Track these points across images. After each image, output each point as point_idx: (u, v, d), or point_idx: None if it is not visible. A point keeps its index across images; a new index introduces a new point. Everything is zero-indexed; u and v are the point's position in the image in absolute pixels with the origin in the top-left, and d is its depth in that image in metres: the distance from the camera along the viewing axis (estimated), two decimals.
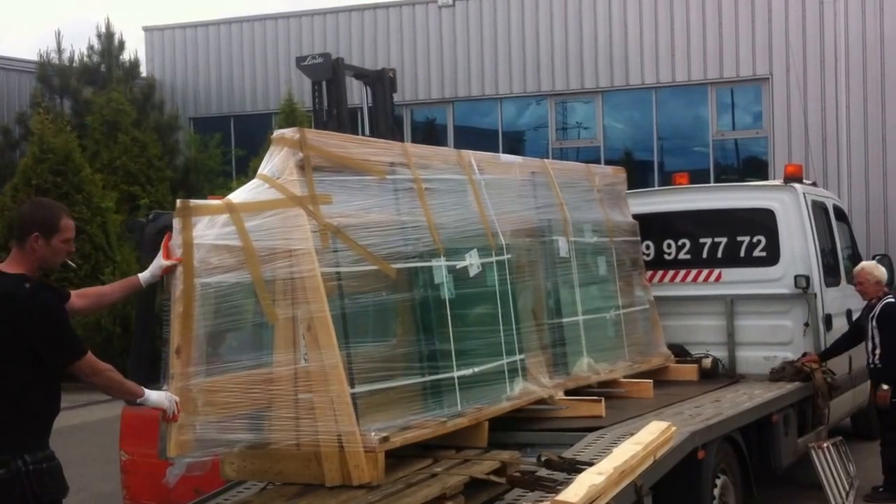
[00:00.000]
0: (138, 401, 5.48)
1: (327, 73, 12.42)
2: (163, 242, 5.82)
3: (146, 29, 26.90)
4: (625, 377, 8.92)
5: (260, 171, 6.28)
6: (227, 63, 25.77)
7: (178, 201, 5.86)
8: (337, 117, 11.89)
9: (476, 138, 23.07)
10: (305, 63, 12.68)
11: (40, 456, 5.30)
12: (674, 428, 6.95)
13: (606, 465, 6.03)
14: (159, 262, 5.77)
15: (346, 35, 24.30)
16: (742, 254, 10.23)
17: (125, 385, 5.48)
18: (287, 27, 25.10)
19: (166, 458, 5.73)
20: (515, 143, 23.00)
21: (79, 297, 5.76)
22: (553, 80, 22.64)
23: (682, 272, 10.43)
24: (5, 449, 5.22)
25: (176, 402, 5.55)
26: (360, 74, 13.63)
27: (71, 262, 5.80)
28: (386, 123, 12.48)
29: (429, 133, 23.77)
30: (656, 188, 15.44)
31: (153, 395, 5.53)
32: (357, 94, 16.79)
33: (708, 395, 9.02)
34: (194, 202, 5.91)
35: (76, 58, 24.82)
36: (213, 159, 24.35)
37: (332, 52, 22.85)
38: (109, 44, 24.86)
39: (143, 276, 5.85)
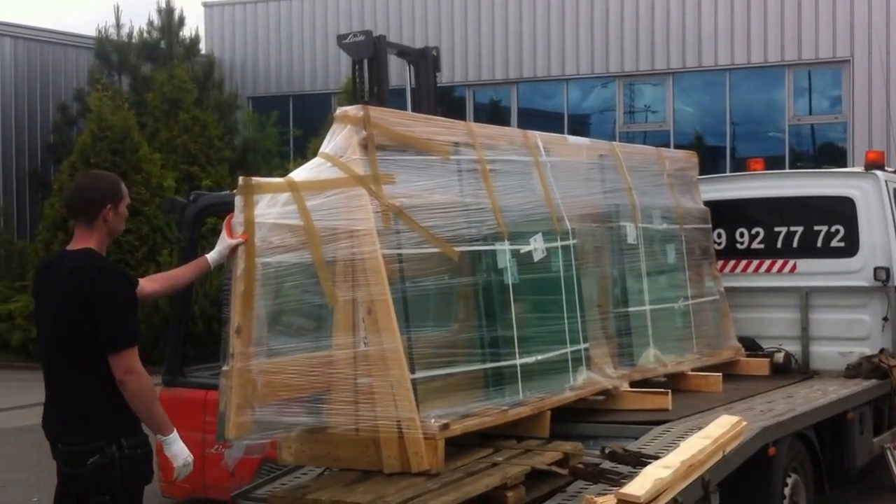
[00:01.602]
0: (160, 437, 5.31)
1: (368, 51, 12.33)
2: (225, 221, 5.74)
3: (206, 5, 26.88)
4: (693, 370, 8.72)
5: (322, 149, 6.19)
6: (286, 40, 25.68)
7: (241, 178, 5.79)
8: (378, 96, 11.77)
9: (540, 121, 22.82)
10: (346, 41, 12.59)
11: (134, 441, 5.29)
12: (744, 423, 6.78)
13: (673, 459, 5.92)
14: (225, 241, 5.69)
15: (409, 13, 24.12)
16: (819, 244, 9.94)
17: (158, 408, 5.31)
18: (349, 3, 24.91)
19: (224, 439, 5.67)
20: (581, 127, 22.70)
21: (150, 282, 5.77)
22: (622, 60, 22.28)
23: (755, 262, 10.17)
24: (100, 434, 5.21)
25: (189, 469, 5.40)
26: (403, 52, 13.50)
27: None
28: (429, 104, 12.35)
29: (492, 115, 23.54)
30: (729, 174, 15.13)
31: (178, 443, 5.37)
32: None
33: (780, 390, 8.80)
34: (256, 180, 5.83)
35: (135, 34, 24.69)
36: (269, 140, 24.26)
37: (394, 31, 22.95)
38: (169, 19, 24.70)
39: (211, 256, 5.78)
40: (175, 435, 5.35)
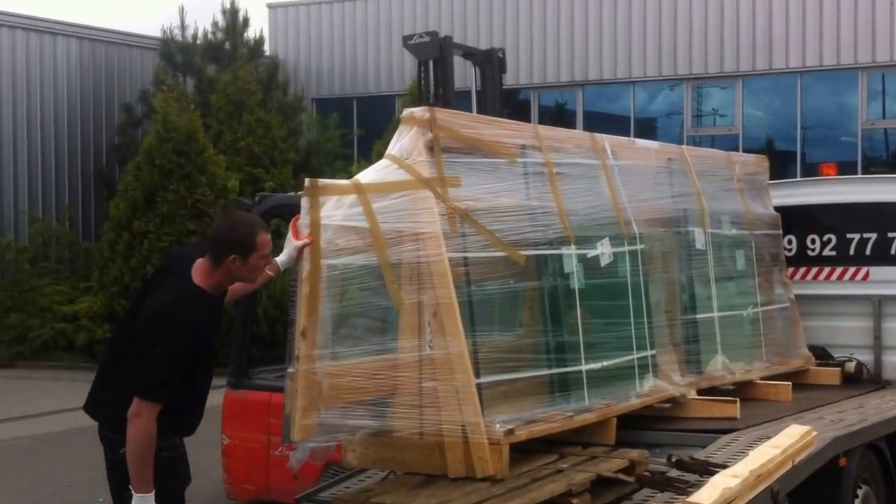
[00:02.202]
0: (136, 493, 5.25)
1: (434, 53, 12.33)
2: (291, 223, 5.74)
3: (270, 6, 26.97)
4: (761, 378, 8.58)
5: (388, 150, 6.18)
6: (350, 42, 25.69)
7: (307, 180, 5.79)
8: (443, 98, 11.73)
9: (606, 124, 22.63)
10: (412, 42, 12.58)
11: (165, 444, 5.36)
12: (814, 433, 6.69)
13: (742, 469, 5.85)
14: (291, 243, 5.69)
15: (475, 14, 24.05)
16: (893, 251, 9.72)
17: (149, 463, 5.26)
18: (414, 5, 24.88)
19: (289, 442, 5.67)
20: (647, 130, 22.50)
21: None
22: (690, 62, 22.02)
23: (827, 269, 9.99)
24: None
25: None
26: (468, 54, 13.49)
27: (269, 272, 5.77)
28: (494, 105, 12.30)
29: (557, 118, 23.43)
30: (801, 179, 14.93)
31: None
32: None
33: (851, 400, 8.62)
34: (322, 181, 5.84)
35: (200, 35, 24.77)
36: (331, 141, 24.28)
37: (459, 32, 22.91)
38: (234, 21, 24.75)
39: (280, 259, 5.78)
40: (147, 498, 5.27)
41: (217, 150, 20.90)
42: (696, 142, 21.66)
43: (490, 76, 12.88)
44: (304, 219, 5.69)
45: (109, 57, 24.72)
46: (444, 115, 6.33)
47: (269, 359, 10.63)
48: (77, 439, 13.39)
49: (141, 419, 5.19)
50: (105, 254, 20.39)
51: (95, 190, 24.18)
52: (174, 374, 5.28)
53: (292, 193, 11.13)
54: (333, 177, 18.52)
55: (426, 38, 12.59)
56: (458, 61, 13.68)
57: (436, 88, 12.37)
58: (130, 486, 5.28)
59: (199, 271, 5.44)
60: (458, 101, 12.39)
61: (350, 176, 6.24)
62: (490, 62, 12.96)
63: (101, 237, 21.64)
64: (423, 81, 12.71)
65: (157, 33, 24.71)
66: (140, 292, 5.72)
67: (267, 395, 8.89)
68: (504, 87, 13.72)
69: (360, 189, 5.84)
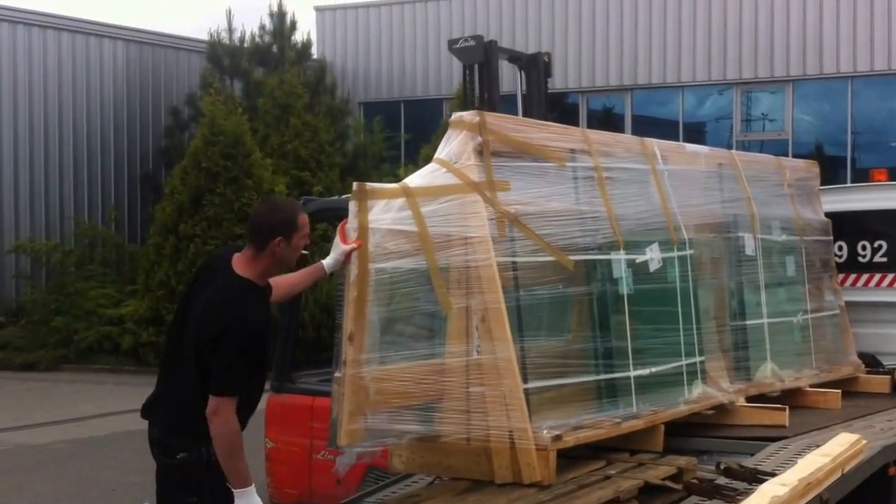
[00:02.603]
0: (237, 489, 5.28)
1: (479, 57, 12.34)
2: (339, 227, 5.72)
3: (318, 9, 27.04)
4: (810, 386, 8.49)
5: (437, 154, 6.15)
6: (398, 45, 25.72)
7: (355, 184, 5.77)
8: (488, 102, 11.72)
9: (654, 129, 22.48)
10: (457, 46, 12.58)
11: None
12: (864, 441, 6.61)
13: (791, 477, 5.78)
14: (339, 247, 5.67)
15: (523, 18, 24.00)
16: None
17: (240, 458, 5.30)
18: (462, 8, 24.86)
19: (336, 446, 5.65)
20: (696, 135, 22.38)
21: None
22: (740, 67, 21.89)
23: (878, 276, 9.88)
24: (193, 434, 5.31)
25: None
26: (514, 58, 13.49)
27: (304, 251, 5.78)
28: (539, 109, 12.27)
29: (605, 122, 23.36)
30: (852, 185, 14.80)
31: (250, 498, 5.31)
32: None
33: None
34: (371, 185, 5.81)
35: (247, 38, 24.88)
36: (376, 145, 24.29)
37: (507, 36, 22.89)
38: (281, 24, 24.84)
39: (327, 262, 5.77)
40: (248, 490, 5.31)
41: (264, 154, 20.93)
42: (745, 146, 21.49)
43: (535, 80, 12.86)
44: (352, 222, 5.67)
45: (156, 60, 24.88)
46: (494, 118, 6.31)
47: (312, 362, 10.66)
48: (121, 443, 13.48)
49: (219, 416, 5.21)
50: (151, 257, 20.48)
51: (142, 193, 24.35)
52: (242, 366, 5.31)
53: (336, 197, 11.18)
54: (379, 180, 18.54)
55: (471, 42, 12.60)
56: (504, 65, 13.67)
57: (481, 92, 12.37)
58: (229, 485, 5.29)
59: (240, 263, 5.46)
60: (503, 105, 12.37)
61: (396, 179, 6.23)
62: (535, 66, 12.94)
63: (146, 240, 21.75)
64: (468, 85, 12.71)
65: (205, 36, 24.82)
66: (184, 296, 5.73)
67: (310, 399, 8.92)
68: (551, 90, 13.69)
69: (408, 193, 5.82)
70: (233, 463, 5.27)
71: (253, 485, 5.35)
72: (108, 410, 16.07)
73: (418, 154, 20.68)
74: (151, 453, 5.58)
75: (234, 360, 5.25)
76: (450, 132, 6.18)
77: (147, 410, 5.64)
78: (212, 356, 5.24)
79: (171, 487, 5.42)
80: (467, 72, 12.72)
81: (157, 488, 5.59)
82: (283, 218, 5.49)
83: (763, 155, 9.91)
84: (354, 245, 5.62)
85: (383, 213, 5.72)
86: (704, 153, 8.22)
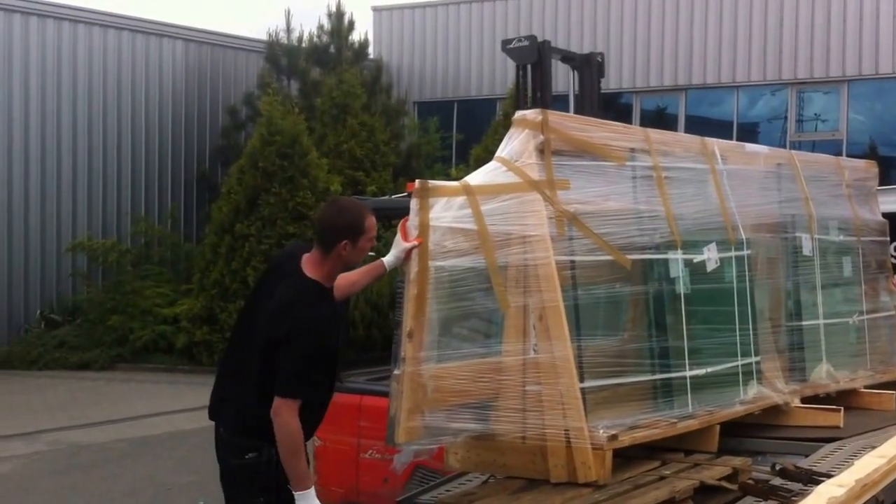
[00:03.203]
0: (295, 491, 5.34)
1: (532, 56, 12.36)
2: (399, 224, 5.76)
3: (375, 9, 27.11)
4: (865, 387, 8.42)
5: (498, 153, 6.17)
6: (454, 45, 25.74)
7: (417, 181, 5.80)
8: (541, 102, 11.72)
9: (707, 129, 22.25)
10: (511, 46, 12.61)
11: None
12: None
13: (847, 478, 5.73)
14: (400, 244, 5.70)
15: (578, 18, 23.93)
16: None
17: (301, 459, 5.36)
18: (518, 8, 24.83)
19: (394, 444, 5.66)
20: (749, 135, 22.19)
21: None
22: (795, 66, 21.71)
23: None
24: (261, 435, 5.33)
25: None
26: (567, 58, 13.49)
27: (371, 253, 5.87)
28: (592, 109, 12.26)
29: (658, 122, 23.24)
30: None
31: (310, 501, 5.37)
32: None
33: None
34: (433, 183, 5.84)
35: (305, 38, 24.97)
36: (431, 144, 24.31)
37: (562, 35, 22.87)
38: (339, 24, 24.92)
39: (387, 259, 5.81)
40: (309, 493, 5.35)
41: (320, 154, 20.97)
42: (798, 147, 21.30)
43: (588, 80, 12.86)
44: (412, 220, 5.69)
45: (214, 59, 25.04)
46: (556, 117, 6.31)
47: (361, 361, 10.71)
48: (175, 442, 13.57)
49: (279, 416, 5.26)
50: (206, 256, 20.57)
51: (198, 192, 24.48)
52: (308, 370, 5.36)
53: (388, 197, 11.23)
54: (433, 179, 18.58)
55: (525, 42, 12.63)
56: (558, 66, 13.67)
57: (534, 92, 12.38)
58: (290, 487, 5.34)
59: (309, 264, 5.51)
60: (555, 105, 12.38)
61: (449, 179, 6.26)
62: (589, 66, 12.94)
63: (202, 240, 21.86)
64: (521, 85, 12.72)
65: (263, 36, 24.93)
66: (252, 296, 5.80)
67: (358, 397, 8.97)
68: (604, 90, 13.66)
69: (469, 191, 5.84)
70: (293, 464, 5.31)
71: (313, 487, 5.40)
72: (163, 410, 16.18)
73: (469, 154, 20.68)
74: (217, 454, 5.59)
75: (298, 363, 5.30)
76: (512, 130, 6.19)
77: (214, 411, 5.66)
78: (278, 357, 5.29)
79: (238, 488, 5.43)
80: (520, 72, 12.73)
81: (223, 489, 5.59)
82: (350, 221, 5.55)
83: (822, 155, 9.85)
84: (415, 242, 5.65)
85: (444, 210, 5.75)
86: (764, 153, 8.18)
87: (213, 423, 5.71)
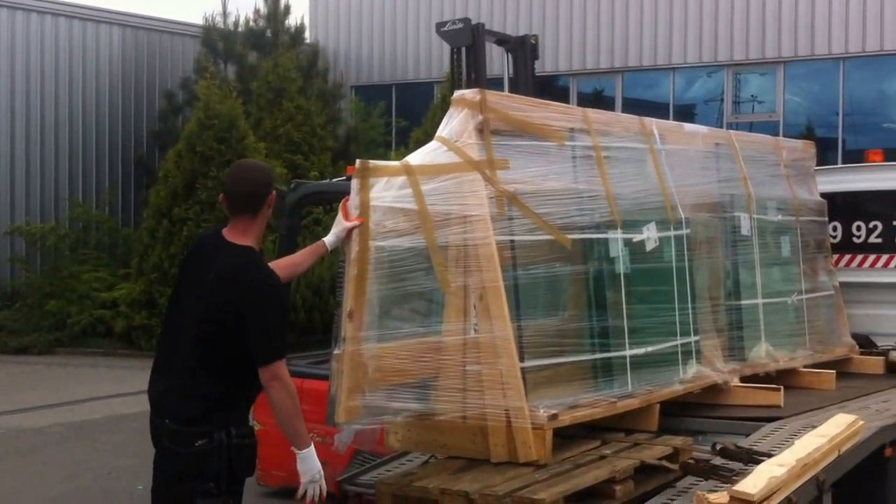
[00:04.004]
0: (298, 450, 5.31)
1: (466, 39, 12.31)
2: (340, 204, 5.73)
3: None
4: (805, 367, 8.50)
5: (438, 132, 6.16)
6: (390, 29, 25.64)
7: (357, 161, 5.78)
8: (475, 84, 11.70)
9: (644, 111, 22.18)
10: (445, 29, 12.55)
11: (242, 431, 5.31)
12: (861, 422, 6.59)
13: (788, 457, 5.79)
14: (341, 224, 5.67)
15: (514, 1, 23.87)
16: None
17: (299, 420, 5.30)
18: None
19: (334, 423, 5.64)
20: (686, 118, 22.10)
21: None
22: (731, 48, 21.79)
23: (872, 257, 9.87)
24: (210, 420, 5.23)
25: (322, 488, 5.37)
26: (502, 41, 13.44)
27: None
28: (527, 92, 12.24)
29: (595, 104, 23.18)
30: (847, 165, 14.74)
31: (311, 459, 5.35)
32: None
33: None
34: (373, 163, 5.82)
35: (241, 22, 24.77)
36: (374, 129, 24.26)
37: (498, 19, 22.83)
38: (275, 8, 24.73)
39: (328, 239, 5.76)
40: (310, 451, 5.32)
41: (257, 138, 20.88)
42: (735, 128, 21.28)
43: (523, 62, 12.81)
44: (353, 200, 5.67)
45: (151, 44, 24.84)
46: (495, 97, 6.32)
47: (301, 345, 10.65)
48: (115, 426, 13.48)
49: (280, 380, 5.17)
50: (144, 241, 20.45)
51: (136, 177, 24.30)
52: (282, 329, 5.31)
53: (326, 181, 11.17)
54: None
55: (459, 25, 12.57)
56: (493, 49, 13.64)
57: (468, 75, 12.34)
58: (293, 449, 5.30)
59: (236, 234, 5.35)
60: (490, 88, 12.35)
61: None
62: (523, 48, 12.89)
63: (140, 224, 21.71)
64: (455, 68, 12.68)
65: (200, 21, 24.78)
66: (179, 284, 5.61)
67: (299, 381, 8.87)
68: (542, 74, 13.67)
69: (409, 171, 5.83)
70: (296, 424, 5.26)
71: (312, 445, 5.35)
72: (102, 394, 16.05)
73: (409, 137, 20.64)
74: (159, 445, 5.39)
75: (273, 325, 5.20)
76: (451, 110, 6.18)
77: (156, 404, 5.44)
78: (250, 336, 5.14)
79: (184, 475, 5.24)
80: (455, 55, 12.68)
81: (162, 476, 5.41)
82: (266, 176, 5.49)
83: (761, 135, 9.95)
84: (356, 222, 5.62)
85: (384, 190, 5.72)
86: (702, 133, 8.22)
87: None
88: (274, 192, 5.41)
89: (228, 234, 5.37)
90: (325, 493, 5.38)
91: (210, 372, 5.23)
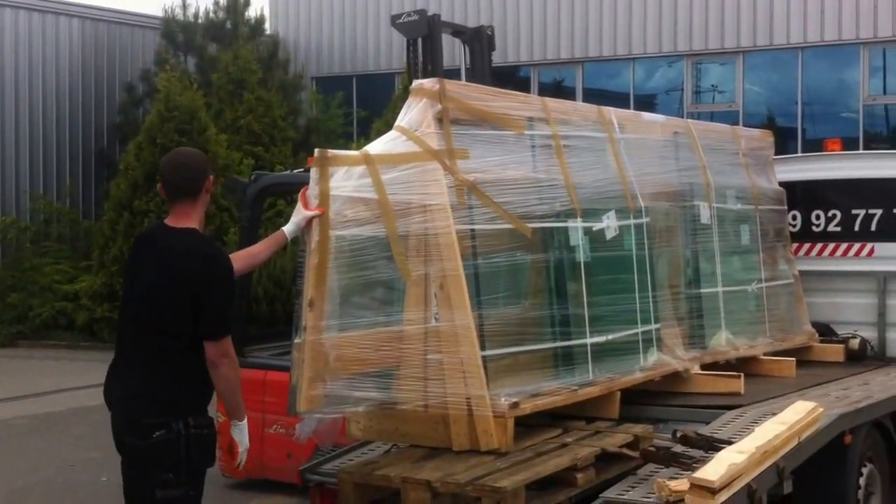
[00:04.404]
0: (239, 421, 5.43)
1: (422, 31, 12.28)
2: (300, 193, 5.72)
3: None
4: (765, 354, 8.54)
5: (398, 122, 6.17)
6: (350, 19, 25.53)
7: (317, 151, 5.78)
8: (431, 76, 11.70)
9: (605, 101, 22.18)
10: (400, 21, 12.52)
11: (200, 421, 5.30)
12: (820, 409, 6.63)
13: (748, 445, 5.84)
14: (300, 213, 5.67)
15: None
16: None
17: (239, 395, 5.39)
18: None
19: (295, 412, 5.64)
20: (646, 108, 22.09)
21: (233, 261, 5.66)
22: (690, 39, 21.83)
23: (831, 246, 9.90)
24: (167, 411, 5.22)
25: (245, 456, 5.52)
26: (458, 32, 13.41)
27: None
28: (484, 83, 12.25)
29: (556, 95, 23.11)
30: (806, 154, 14.74)
31: (246, 430, 5.49)
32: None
33: (855, 377, 8.56)
34: (332, 152, 5.83)
35: (201, 14, 24.65)
36: (334, 120, 24.21)
37: (459, 10, 22.78)
38: (235, 0, 24.74)
39: (288, 228, 5.76)
40: (245, 423, 5.45)
41: (217, 129, 20.81)
42: (695, 118, 21.25)
43: (479, 54, 12.80)
44: (313, 189, 5.67)
45: (111, 36, 24.65)
46: (453, 86, 6.32)
47: (264, 336, 10.63)
48: (78, 419, 13.38)
49: (228, 356, 5.20)
50: (106, 233, 20.34)
51: (96, 169, 24.11)
52: (230, 306, 5.32)
53: (287, 172, 11.14)
54: None
55: (414, 17, 12.53)
56: (450, 40, 13.62)
57: (424, 67, 12.31)
58: (233, 420, 5.41)
59: (180, 219, 5.34)
60: (447, 79, 12.33)
61: None
62: (479, 40, 12.87)
63: (101, 216, 21.60)
64: (412, 60, 12.65)
65: (159, 13, 24.63)
66: (128, 280, 5.56)
67: (262, 373, 8.93)
68: (503, 64, 13.66)
69: (369, 160, 5.83)
70: (237, 398, 5.35)
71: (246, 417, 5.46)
72: (65, 386, 15.94)
73: (370, 128, 20.59)
74: (118, 440, 5.38)
75: (222, 302, 5.23)
76: (410, 100, 6.19)
77: (113, 396, 5.43)
78: (201, 311, 5.14)
79: (144, 467, 5.24)
80: (411, 46, 12.65)
81: (124, 473, 5.41)
82: (203, 160, 5.50)
83: (719, 124, 9.98)
84: (316, 212, 5.62)
85: (344, 180, 5.72)
86: (661, 122, 8.27)
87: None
88: (211, 177, 5.42)
89: (170, 221, 5.37)
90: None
91: (161, 366, 5.23)
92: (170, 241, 5.28)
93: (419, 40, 12.41)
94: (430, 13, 12.85)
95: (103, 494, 9.52)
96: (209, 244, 5.34)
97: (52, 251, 21.88)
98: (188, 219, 5.32)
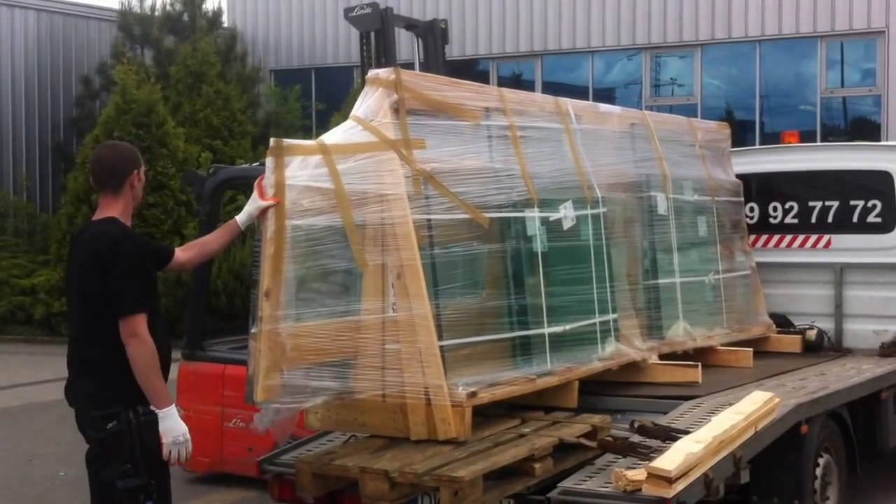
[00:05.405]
0: (158, 409, 5.27)
1: (375, 24, 12.23)
2: (256, 183, 5.70)
3: None
4: (722, 345, 8.59)
5: (353, 112, 6.15)
6: (308, 13, 25.48)
7: (272, 140, 5.76)
8: None
9: (564, 94, 22.20)
10: (353, 14, 12.47)
11: (149, 408, 5.28)
12: (777, 399, 6.68)
13: (705, 434, 5.88)
14: (255, 202, 5.67)
15: None
16: (854, 219, 9.64)
17: (159, 376, 5.29)
18: None
19: (252, 402, 5.62)
20: (605, 100, 22.15)
21: (183, 251, 5.78)
22: (649, 32, 21.88)
23: (788, 237, 9.93)
24: (115, 402, 5.25)
25: (186, 450, 5.33)
26: (411, 25, 13.34)
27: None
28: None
29: (515, 88, 23.24)
30: (763, 146, 14.81)
31: (172, 419, 5.30)
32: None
33: (812, 367, 8.61)
34: (287, 141, 5.82)
35: (158, 6, 24.54)
36: (292, 113, 24.15)
37: (419, 1, 22.73)
38: None
39: (241, 217, 5.76)
40: (171, 410, 5.30)
41: (175, 122, 20.72)
42: (654, 111, 21.50)
43: (433, 47, 12.74)
44: (268, 179, 5.65)
45: (67, 29, 24.49)
46: (409, 76, 6.32)
47: (223, 330, 10.61)
48: (35, 413, 13.29)
49: (138, 336, 5.17)
50: (63, 227, 20.22)
51: (53, 163, 23.98)
52: (140, 282, 5.29)
53: (246, 165, 11.10)
54: None
55: (367, 10, 12.45)
56: (403, 34, 13.58)
57: (377, 60, 12.27)
58: (153, 408, 5.26)
59: (102, 209, 5.44)
60: None
61: None
62: (432, 33, 12.81)
63: (58, 210, 21.47)
64: (365, 53, 12.61)
65: (116, 5, 24.51)
66: (67, 277, 5.67)
67: (221, 367, 8.93)
68: (462, 57, 13.64)
69: (325, 150, 5.82)
70: (153, 380, 5.23)
71: (174, 404, 5.34)
72: (22, 381, 15.84)
73: (329, 121, 20.54)
74: (81, 432, 5.46)
75: (129, 278, 5.22)
76: (366, 89, 6.18)
77: (69, 392, 5.51)
78: (108, 287, 5.18)
79: (104, 459, 5.29)
80: (364, 40, 12.61)
81: (87, 467, 5.45)
82: (131, 153, 5.55)
83: (675, 116, 9.99)
84: (272, 201, 5.61)
85: (300, 169, 5.71)
86: (617, 113, 8.27)
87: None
88: (138, 170, 5.47)
89: (96, 214, 5.47)
90: (189, 455, 5.36)
91: (103, 356, 5.27)
92: (89, 232, 5.42)
93: (372, 34, 12.36)
94: (383, 6, 12.78)
95: (61, 489, 9.45)
96: (119, 228, 5.34)
97: (10, 245, 21.78)
98: (110, 210, 5.41)
